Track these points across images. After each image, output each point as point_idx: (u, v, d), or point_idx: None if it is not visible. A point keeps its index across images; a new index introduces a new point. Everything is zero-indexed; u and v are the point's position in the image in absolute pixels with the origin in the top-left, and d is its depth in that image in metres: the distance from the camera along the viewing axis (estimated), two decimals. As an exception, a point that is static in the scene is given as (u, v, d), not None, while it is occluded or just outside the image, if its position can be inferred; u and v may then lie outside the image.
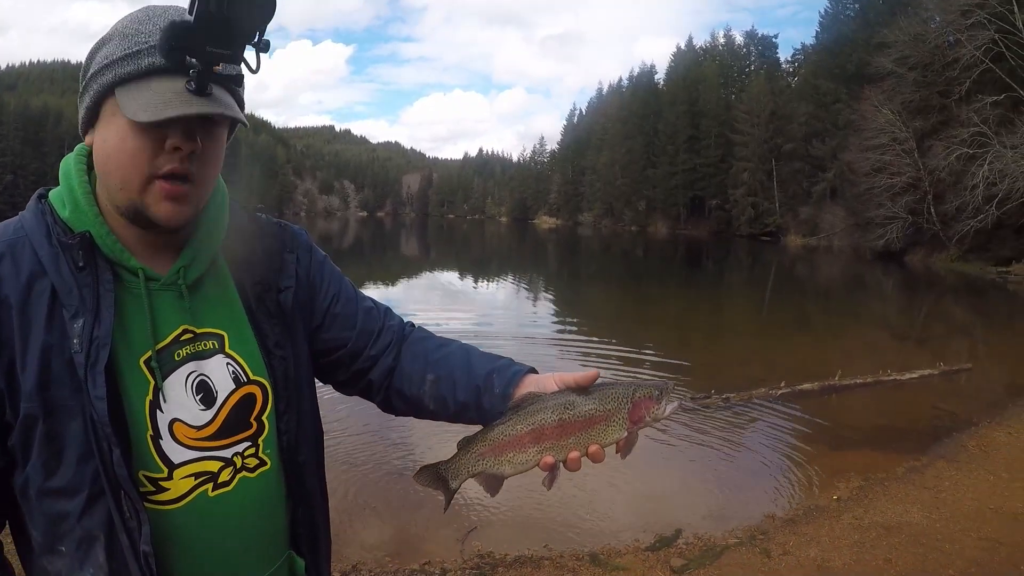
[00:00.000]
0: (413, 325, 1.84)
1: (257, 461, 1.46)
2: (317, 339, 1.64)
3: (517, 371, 1.63)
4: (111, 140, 1.26)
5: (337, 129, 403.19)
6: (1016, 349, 15.70)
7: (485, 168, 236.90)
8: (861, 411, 10.38)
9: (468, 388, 1.62)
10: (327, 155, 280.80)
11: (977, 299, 25.26)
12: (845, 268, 40.76)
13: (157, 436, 1.32)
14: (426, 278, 32.55)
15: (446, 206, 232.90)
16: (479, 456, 1.52)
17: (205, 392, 1.38)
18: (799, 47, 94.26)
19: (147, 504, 1.29)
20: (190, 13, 1.12)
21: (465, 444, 1.54)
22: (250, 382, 1.45)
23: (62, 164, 1.39)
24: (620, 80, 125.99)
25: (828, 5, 71.91)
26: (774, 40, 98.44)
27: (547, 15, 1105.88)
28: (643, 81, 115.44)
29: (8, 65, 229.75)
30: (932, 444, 8.64)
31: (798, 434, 9.00)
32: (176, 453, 1.34)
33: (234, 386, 1.42)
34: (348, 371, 1.72)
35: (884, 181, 44.18)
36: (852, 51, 60.48)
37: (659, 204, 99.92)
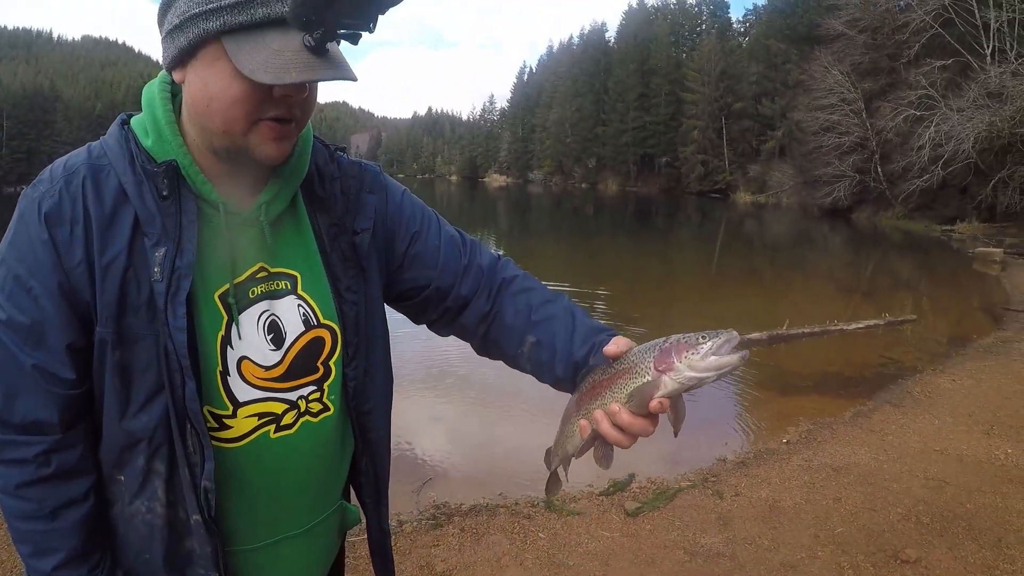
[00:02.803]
0: (510, 264, 1.72)
1: (321, 406, 1.42)
2: (400, 280, 1.58)
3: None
4: (215, 85, 1.18)
5: None
6: (959, 303, 16.02)
7: (435, 127, 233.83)
8: (809, 359, 10.51)
9: (567, 362, 1.49)
10: None
11: (922, 256, 25.70)
12: (793, 224, 41.30)
13: (226, 373, 1.29)
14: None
15: (395, 166, 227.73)
16: (557, 437, 1.45)
17: (275, 332, 1.35)
18: (751, 7, 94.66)
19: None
20: None
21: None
22: (320, 325, 1.40)
23: (145, 91, 1.33)
24: (571, 38, 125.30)
25: (780, -34, 71.83)
26: (726, 0, 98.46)
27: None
28: (594, 39, 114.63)
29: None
30: (878, 390, 8.78)
31: (747, 381, 9.07)
32: (242, 391, 1.31)
33: (304, 328, 1.38)
34: (438, 311, 1.64)
35: (832, 140, 44.68)
36: (803, 12, 60.75)
37: (609, 162, 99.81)
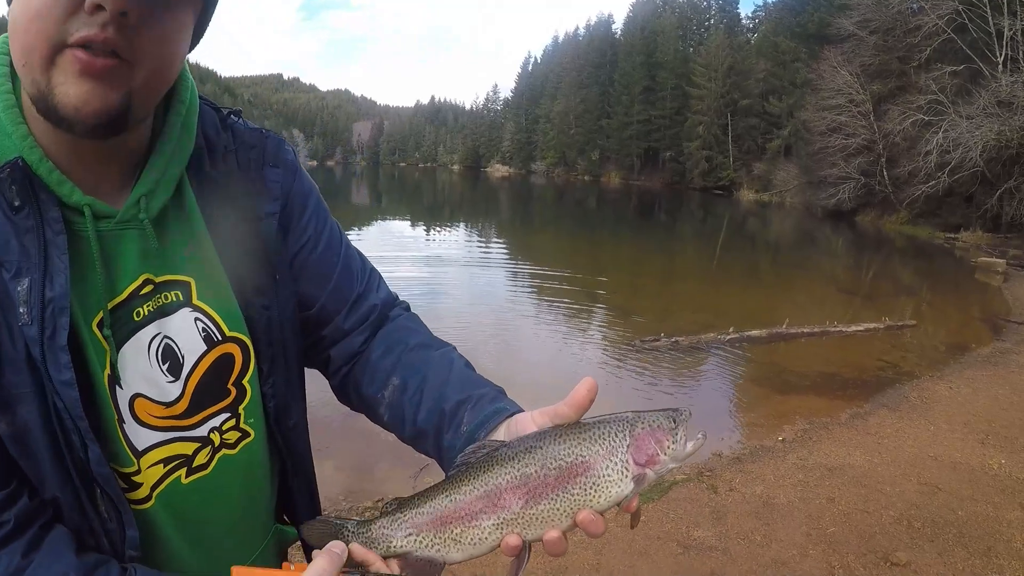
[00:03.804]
0: (407, 307, 1.49)
1: (239, 434, 1.21)
2: None
3: (498, 410, 1.18)
4: (16, 2, 0.91)
5: (286, 77, 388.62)
6: (959, 312, 15.99)
7: (437, 116, 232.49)
8: (808, 359, 10.50)
9: (432, 412, 1.24)
10: (275, 104, 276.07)
11: (924, 262, 25.66)
12: (796, 224, 41.28)
13: (120, 420, 1.05)
14: (377, 227, 31.97)
15: (397, 154, 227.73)
16: (411, 529, 1.07)
17: (171, 359, 1.10)
18: (760, 3, 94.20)
19: None
20: None
21: (394, 508, 1.11)
22: (225, 340, 1.16)
23: None
24: (577, 29, 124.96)
25: (791, -38, 71.43)
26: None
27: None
28: (600, 31, 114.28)
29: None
30: (875, 393, 8.80)
31: (746, 378, 9.11)
32: (141, 437, 1.08)
33: (205, 347, 1.14)
34: (310, 338, 1.37)
35: (839, 141, 44.33)
36: (814, 11, 60.21)
37: (613, 154, 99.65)
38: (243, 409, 1.20)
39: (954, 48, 38.07)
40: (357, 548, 1.07)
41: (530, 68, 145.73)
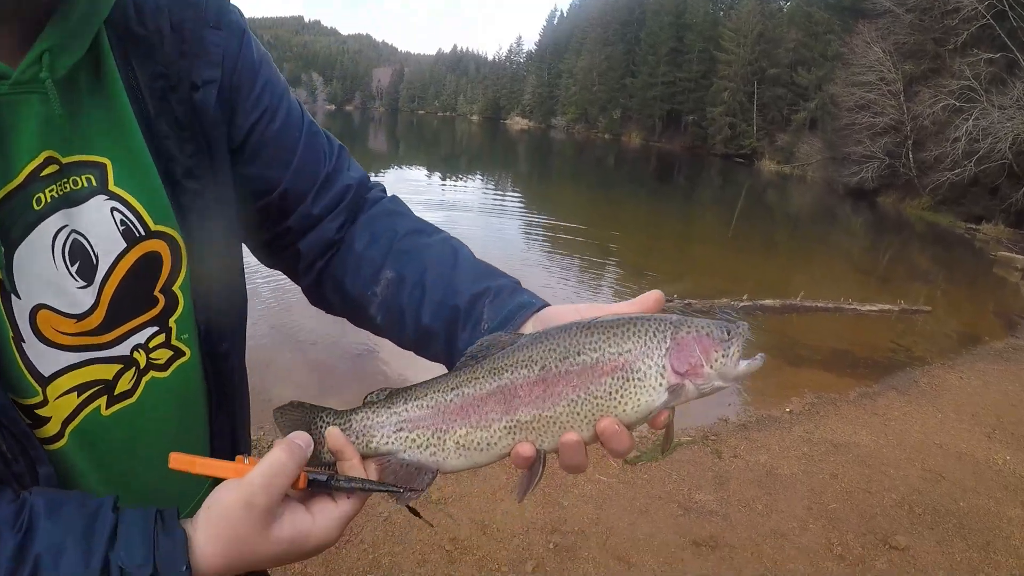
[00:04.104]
0: (384, 190, 1.29)
1: (170, 352, 1.00)
2: (233, 173, 1.09)
3: (524, 304, 1.04)
4: None
5: (307, 19, 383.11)
6: (974, 303, 15.85)
7: (459, 65, 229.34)
8: (820, 333, 10.45)
9: (441, 307, 1.08)
10: (295, 46, 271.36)
11: (942, 250, 25.42)
12: (816, 199, 40.92)
13: (18, 338, 0.84)
14: (393, 173, 31.71)
15: (416, 102, 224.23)
16: (401, 424, 0.92)
17: (82, 259, 0.88)
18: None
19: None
20: None
21: (384, 397, 0.96)
22: (150, 235, 0.94)
23: None
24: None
25: (831, -71, 69.94)
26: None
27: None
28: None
29: None
30: (885, 375, 8.74)
31: (757, 346, 8.87)
32: (46, 359, 0.87)
33: (125, 244, 0.92)
34: (274, 230, 1.17)
35: (866, 119, 43.76)
36: (850, -18, 59.29)
37: (635, 114, 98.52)
38: (174, 322, 0.99)
39: (992, 35, 37.33)
40: (334, 434, 0.92)
41: (555, 22, 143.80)
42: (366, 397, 0.97)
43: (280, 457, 0.82)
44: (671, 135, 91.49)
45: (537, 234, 16.70)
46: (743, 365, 0.89)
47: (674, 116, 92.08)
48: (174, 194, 0.96)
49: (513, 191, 28.49)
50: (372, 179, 1.28)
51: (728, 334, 0.90)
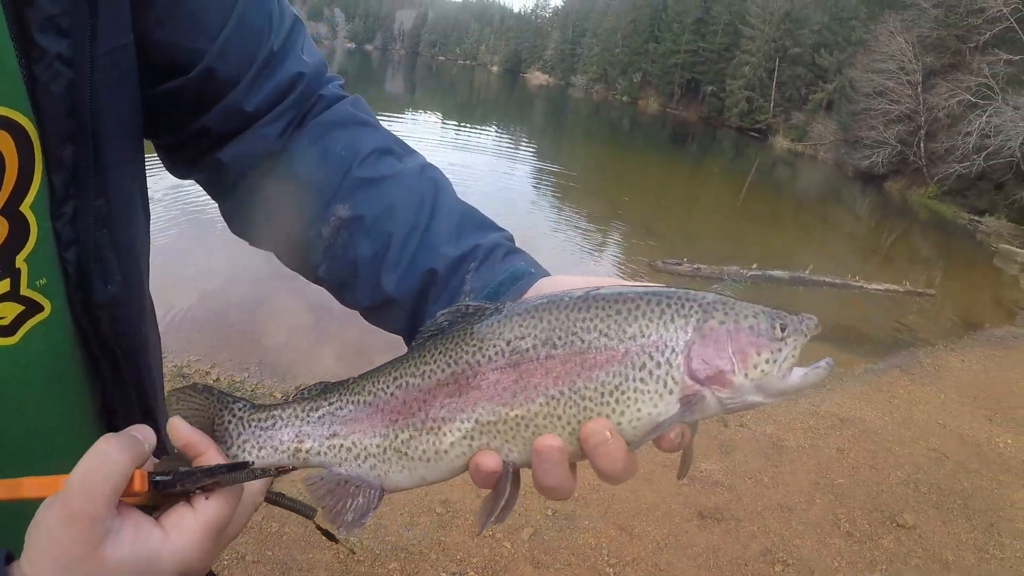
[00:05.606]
0: (343, 86, 0.97)
1: (19, 308, 0.68)
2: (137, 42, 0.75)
3: (520, 273, 0.82)
4: None
5: None
6: (974, 292, 15.86)
7: (484, 14, 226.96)
8: (826, 308, 10.41)
9: (410, 272, 0.82)
10: None
11: (944, 238, 25.41)
12: (825, 179, 41.10)
13: None
14: (408, 117, 31.30)
15: (438, 47, 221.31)
16: (336, 429, 0.70)
17: None
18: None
19: None
20: None
21: (316, 393, 0.72)
22: None
23: None
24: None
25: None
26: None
27: None
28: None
29: None
30: (889, 353, 8.71)
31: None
32: None
33: None
34: (183, 128, 0.85)
35: (882, 106, 43.85)
36: (879, -29, 58.77)
37: (655, 80, 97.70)
38: (25, 260, 0.66)
39: (1014, 37, 37.41)
40: (176, 425, 0.66)
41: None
42: (297, 392, 0.73)
43: (102, 449, 0.58)
44: (688, 103, 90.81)
45: (547, 185, 16.52)
46: (797, 375, 0.66)
47: (693, 85, 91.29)
48: (26, 58, 0.62)
49: (527, 142, 28.35)
50: (339, 80, 0.96)
51: (781, 330, 0.66)
